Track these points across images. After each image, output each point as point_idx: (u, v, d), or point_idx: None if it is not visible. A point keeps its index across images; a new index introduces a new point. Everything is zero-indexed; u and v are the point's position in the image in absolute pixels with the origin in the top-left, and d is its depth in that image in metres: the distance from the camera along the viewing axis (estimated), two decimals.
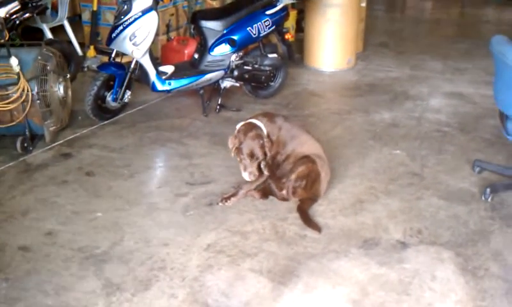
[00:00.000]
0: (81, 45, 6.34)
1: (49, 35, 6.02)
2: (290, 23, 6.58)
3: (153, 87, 4.65)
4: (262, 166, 3.29)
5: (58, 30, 6.26)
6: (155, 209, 3.35)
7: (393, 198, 3.45)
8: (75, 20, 6.79)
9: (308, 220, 3.17)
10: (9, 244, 2.97)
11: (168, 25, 6.32)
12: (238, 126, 3.33)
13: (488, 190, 3.41)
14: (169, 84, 4.67)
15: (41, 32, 6.02)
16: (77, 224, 3.16)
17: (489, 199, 3.40)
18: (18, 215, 3.25)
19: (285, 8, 5.09)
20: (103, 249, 2.92)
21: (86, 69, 5.92)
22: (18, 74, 3.93)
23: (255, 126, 3.26)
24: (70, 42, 6.17)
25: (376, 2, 9.93)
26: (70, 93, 4.60)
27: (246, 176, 3.26)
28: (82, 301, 2.52)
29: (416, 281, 2.68)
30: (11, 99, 3.92)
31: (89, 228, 3.13)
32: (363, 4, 6.70)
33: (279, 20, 5.08)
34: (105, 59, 5.39)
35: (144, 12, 4.44)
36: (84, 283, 2.65)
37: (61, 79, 4.40)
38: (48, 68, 4.18)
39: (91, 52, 6.14)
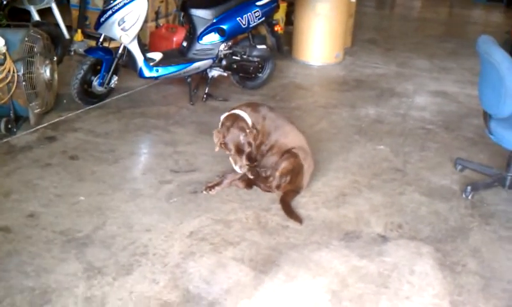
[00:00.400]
0: (68, 28, 6.27)
1: (36, 17, 5.95)
2: (279, 15, 6.58)
3: (141, 74, 4.63)
4: (246, 171, 3.28)
5: (45, 12, 6.18)
6: (139, 195, 3.34)
7: (375, 193, 3.49)
8: (62, 3, 6.72)
9: (290, 211, 3.19)
10: None
11: (157, 12, 6.29)
12: (222, 117, 3.31)
13: (469, 188, 3.47)
14: (157, 70, 4.65)
15: (28, 14, 5.95)
16: (59, 207, 3.15)
17: (469, 197, 3.46)
18: (0, 196, 3.23)
19: (275, 0, 5.09)
20: (85, 233, 2.91)
21: (72, 53, 5.88)
22: (4, 54, 3.88)
23: (238, 117, 3.23)
24: (57, 25, 6.10)
25: None
26: (56, 76, 4.56)
27: (237, 169, 3.25)
28: (63, 283, 2.52)
29: (395, 275, 2.72)
30: None
31: (72, 211, 3.12)
32: (353, 0, 6.74)
33: (269, 12, 5.09)
34: (93, 43, 5.36)
35: None
36: (65, 265, 2.65)
37: (47, 62, 4.36)
38: (35, 49, 4.14)
39: (78, 36, 6.09)
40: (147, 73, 4.63)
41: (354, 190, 3.50)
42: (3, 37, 3.89)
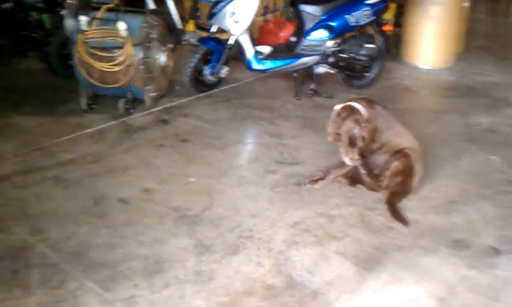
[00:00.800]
0: (180, 19, 6.51)
1: (152, 5, 6.22)
2: (388, 16, 6.44)
3: (249, 66, 4.74)
4: (359, 165, 3.26)
5: (159, 2, 6.45)
6: (245, 182, 3.43)
7: (487, 203, 3.32)
8: None
9: (396, 213, 3.12)
10: (109, 196, 3.17)
11: (265, 7, 6.38)
12: (336, 108, 3.25)
13: None
14: (265, 64, 4.74)
15: (142, 2, 6.23)
16: (172, 185, 3.32)
17: None
18: (119, 171, 3.45)
19: (385, 0, 5.01)
20: (195, 212, 3.04)
21: (184, 42, 6.09)
22: (124, 38, 4.11)
23: (354, 110, 3.16)
24: (170, 15, 6.35)
25: (479, 4, 9.50)
26: (170, 62, 4.77)
27: (347, 161, 3.21)
28: (175, 256, 2.65)
29: (507, 289, 2.58)
30: (117, 62, 4.12)
31: (183, 190, 3.27)
32: (466, 4, 6.46)
33: (378, 11, 5.01)
34: (204, 34, 5.54)
35: None
36: (176, 239, 2.79)
37: (163, 48, 4.57)
38: (152, 36, 4.36)
39: (190, 26, 6.29)
40: (255, 65, 4.73)
41: (464, 199, 3.36)
42: (124, 22, 4.11)
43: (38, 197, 3.14)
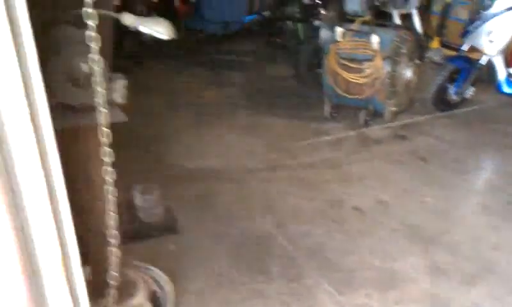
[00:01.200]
0: (424, 35, 6.38)
1: (397, 21, 6.21)
2: None
3: (499, 88, 4.46)
4: None
5: (403, 18, 6.38)
6: (486, 211, 3.24)
7: None
8: (428, 12, 6.83)
9: None
10: (344, 202, 3.28)
11: None
12: None
13: None
14: None
15: (387, 17, 6.24)
16: (407, 202, 3.29)
17: None
18: (354, 179, 3.55)
19: None
20: (431, 233, 2.97)
21: (426, 59, 5.97)
22: (375, 51, 4.17)
23: None
24: (415, 30, 6.26)
25: None
26: (415, 79, 4.71)
27: None
28: (408, 273, 2.63)
29: None
30: (365, 74, 4.21)
31: (418, 209, 3.22)
32: None
33: None
34: (448, 52, 5.37)
35: (507, 9, 4.24)
36: (410, 257, 2.76)
37: (410, 64, 4.54)
38: (402, 50, 4.36)
39: (435, 43, 6.15)
40: (507, 89, 4.43)
41: None
42: (377, 35, 4.18)
43: (280, 193, 3.39)
